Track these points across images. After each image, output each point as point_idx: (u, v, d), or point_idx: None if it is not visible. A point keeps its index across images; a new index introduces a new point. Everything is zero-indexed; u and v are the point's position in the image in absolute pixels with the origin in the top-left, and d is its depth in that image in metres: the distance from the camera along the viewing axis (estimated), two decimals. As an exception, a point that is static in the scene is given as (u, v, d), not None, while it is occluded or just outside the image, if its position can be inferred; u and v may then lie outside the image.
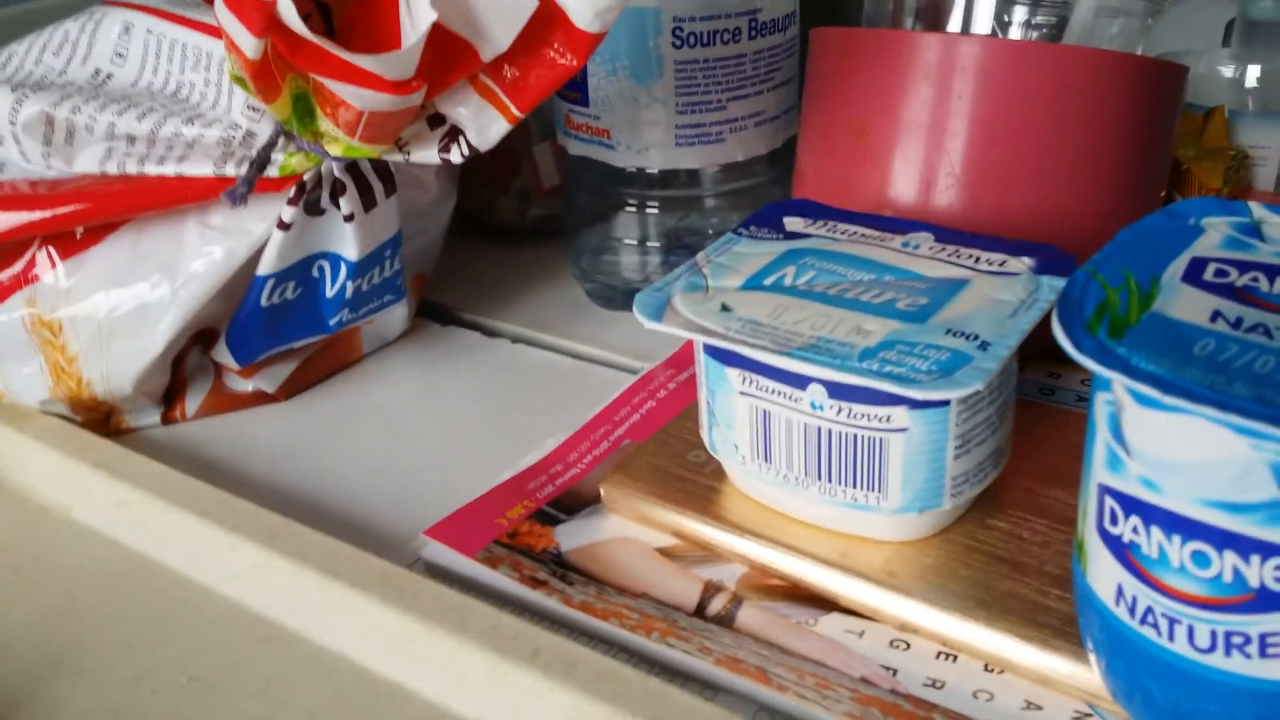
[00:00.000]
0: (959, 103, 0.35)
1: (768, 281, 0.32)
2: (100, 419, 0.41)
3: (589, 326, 0.47)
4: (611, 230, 0.47)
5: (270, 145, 0.35)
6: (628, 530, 0.34)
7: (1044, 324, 0.34)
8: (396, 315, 0.45)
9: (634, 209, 0.46)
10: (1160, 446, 0.22)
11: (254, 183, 0.35)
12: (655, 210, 0.46)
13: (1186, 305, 0.23)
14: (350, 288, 0.40)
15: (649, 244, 0.47)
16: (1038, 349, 0.38)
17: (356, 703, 0.29)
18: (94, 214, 0.37)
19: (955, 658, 0.29)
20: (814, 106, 0.40)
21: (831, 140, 0.39)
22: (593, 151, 0.45)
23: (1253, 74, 0.47)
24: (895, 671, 0.29)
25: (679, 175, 0.45)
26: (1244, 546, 0.21)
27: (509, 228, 0.54)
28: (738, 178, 0.46)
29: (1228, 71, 0.48)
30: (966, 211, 0.36)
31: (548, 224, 0.54)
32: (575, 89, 0.44)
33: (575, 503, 0.36)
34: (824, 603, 0.31)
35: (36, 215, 0.36)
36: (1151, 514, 0.22)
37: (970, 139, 0.36)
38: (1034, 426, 0.36)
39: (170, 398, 0.41)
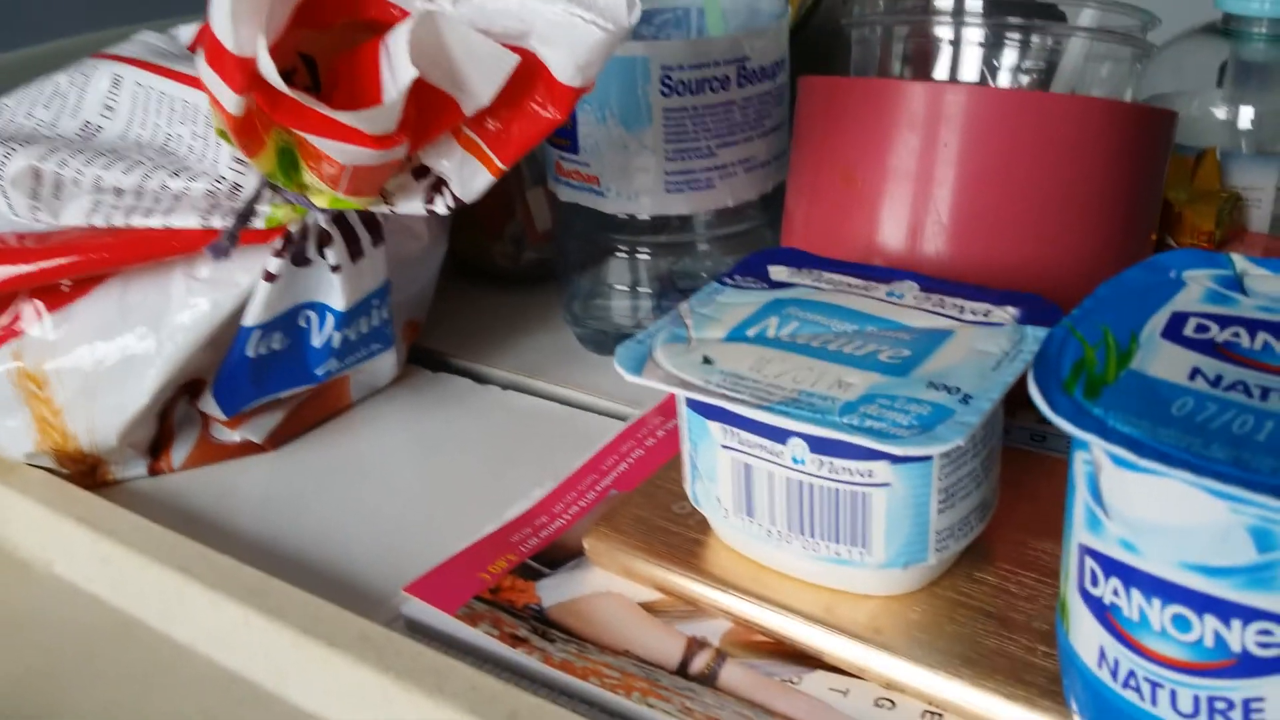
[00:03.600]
0: (945, 151, 0.35)
1: (750, 333, 0.32)
2: (86, 471, 0.40)
3: (580, 372, 0.47)
4: (603, 276, 0.47)
5: (255, 198, 0.35)
6: (611, 584, 0.34)
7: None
8: (385, 363, 0.44)
9: (625, 255, 0.46)
10: (1138, 508, 0.21)
11: (238, 235, 0.35)
12: (647, 256, 0.46)
13: (1165, 362, 0.23)
14: (338, 337, 0.40)
15: (640, 289, 0.47)
16: (1027, 397, 0.38)
17: (333, 764, 0.29)
18: (81, 267, 0.37)
19: (941, 717, 0.29)
20: (802, 153, 0.40)
21: (819, 187, 0.38)
22: (583, 198, 0.45)
23: (1246, 115, 0.47)
24: (881, 731, 0.29)
25: (670, 221, 0.45)
26: (1225, 610, 0.21)
27: (502, 272, 0.54)
28: (730, 222, 0.46)
29: (1220, 113, 0.48)
30: (954, 259, 0.36)
31: (541, 268, 0.54)
32: (564, 136, 0.44)
33: (559, 555, 0.35)
34: (809, 659, 0.31)
35: (23, 269, 0.36)
36: (1131, 576, 0.22)
37: (957, 187, 0.36)
38: (1023, 476, 0.35)
39: (157, 449, 0.41)
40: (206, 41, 0.30)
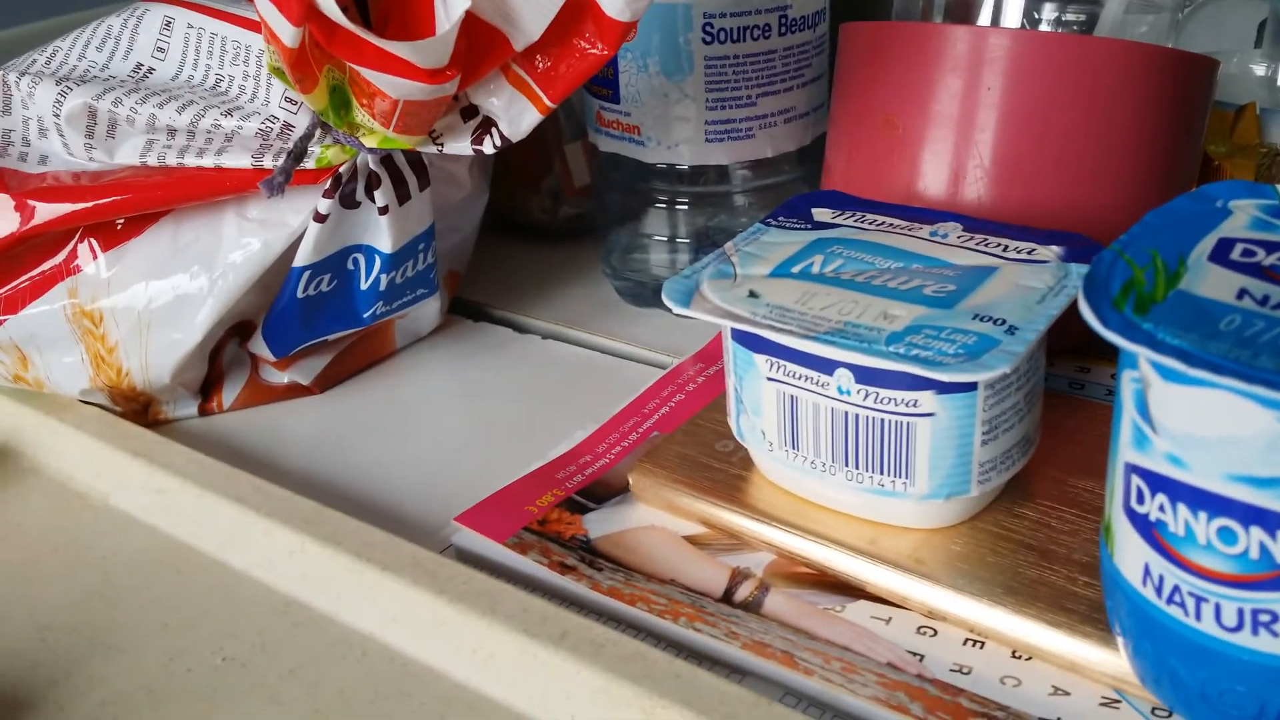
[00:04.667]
0: (988, 95, 0.36)
1: (795, 269, 0.32)
2: (139, 410, 0.41)
3: (618, 323, 0.48)
4: (641, 228, 0.48)
5: (307, 136, 0.36)
6: (656, 519, 0.35)
7: (1074, 316, 0.34)
8: (429, 310, 0.45)
9: (664, 206, 0.47)
10: (1186, 422, 0.22)
11: (291, 172, 0.36)
12: (685, 207, 0.47)
13: (1213, 283, 0.23)
14: (384, 280, 0.40)
15: (678, 241, 0.47)
16: (1066, 343, 0.38)
17: (387, 683, 0.30)
18: (134, 205, 0.37)
19: (982, 644, 0.29)
20: (843, 100, 0.40)
21: (860, 133, 0.39)
22: (623, 148, 0.45)
23: (1286, 72, 0.47)
24: (922, 657, 0.29)
25: (708, 172, 0.46)
26: (1270, 521, 0.21)
27: (540, 227, 0.55)
28: (766, 175, 0.46)
29: (1260, 70, 0.48)
30: (995, 204, 0.36)
31: (578, 223, 0.54)
32: (606, 85, 0.44)
33: (604, 492, 0.36)
34: (851, 590, 0.31)
35: (79, 206, 0.37)
36: (1178, 490, 0.22)
37: (999, 131, 0.36)
38: (1063, 419, 0.36)
39: (207, 389, 0.42)
40: (264, -25, 0.31)
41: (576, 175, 0.53)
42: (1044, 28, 0.44)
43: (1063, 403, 0.37)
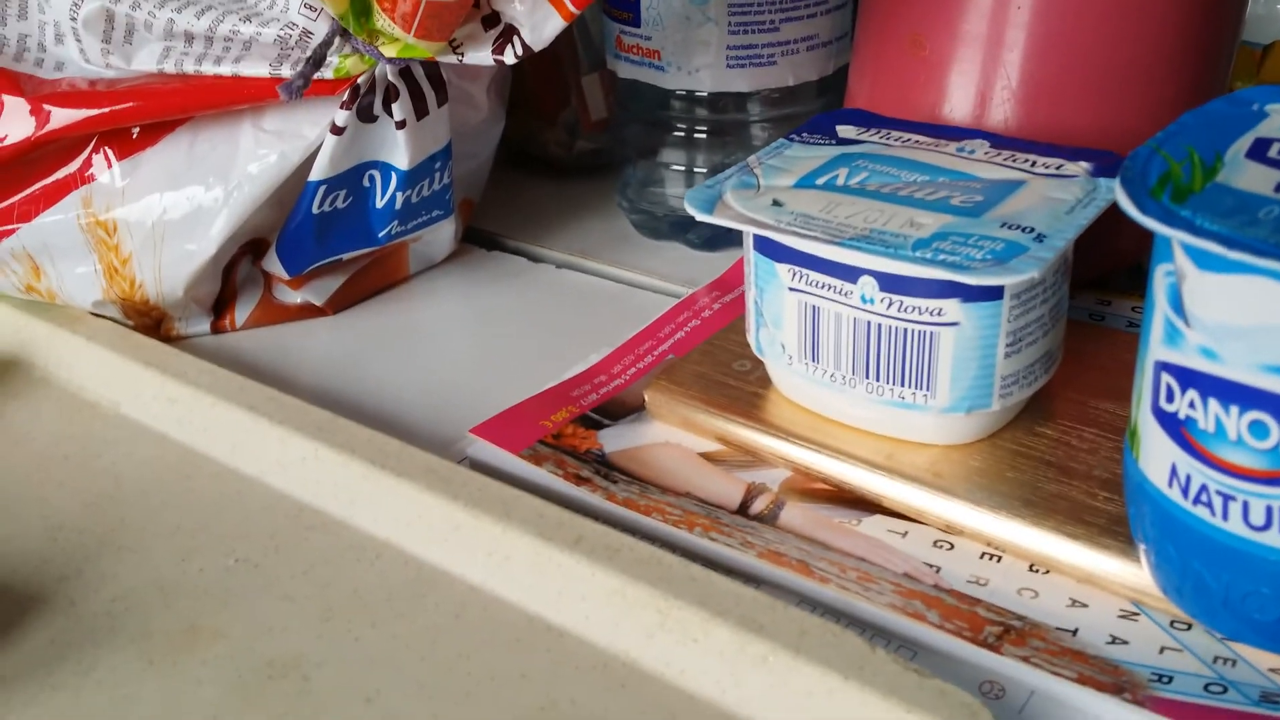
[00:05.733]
0: (1018, 13, 0.35)
1: (820, 181, 0.32)
2: (151, 325, 0.41)
3: (634, 255, 0.47)
4: (659, 159, 0.47)
5: (326, 43, 0.36)
6: (671, 435, 0.34)
7: (1098, 246, 0.33)
8: (444, 234, 0.45)
9: (682, 135, 0.46)
10: (1221, 312, 0.22)
11: (310, 77, 0.35)
12: (703, 137, 0.46)
13: (1250, 178, 0.23)
14: (400, 199, 0.40)
15: (695, 172, 0.47)
16: (1088, 274, 0.38)
17: (402, 585, 0.30)
18: (150, 112, 0.37)
19: (1000, 558, 0.29)
20: (868, 21, 0.39)
21: (886, 54, 0.38)
22: (643, 74, 0.45)
23: (1314, 13, 0.47)
24: (939, 569, 0.29)
25: (728, 102, 0.45)
26: (1305, 413, 0.21)
27: (555, 160, 0.54)
28: (786, 105, 0.46)
29: (1289, 10, 0.47)
30: (1022, 125, 0.36)
31: (594, 158, 0.54)
32: (626, 8, 0.44)
33: (619, 410, 0.36)
34: (867, 505, 0.31)
35: (94, 112, 0.37)
36: (1210, 385, 0.22)
37: (1027, 50, 0.35)
38: (1084, 345, 0.35)
39: (220, 307, 0.42)
40: None
41: (594, 108, 0.53)
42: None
43: (1084, 329, 0.37)
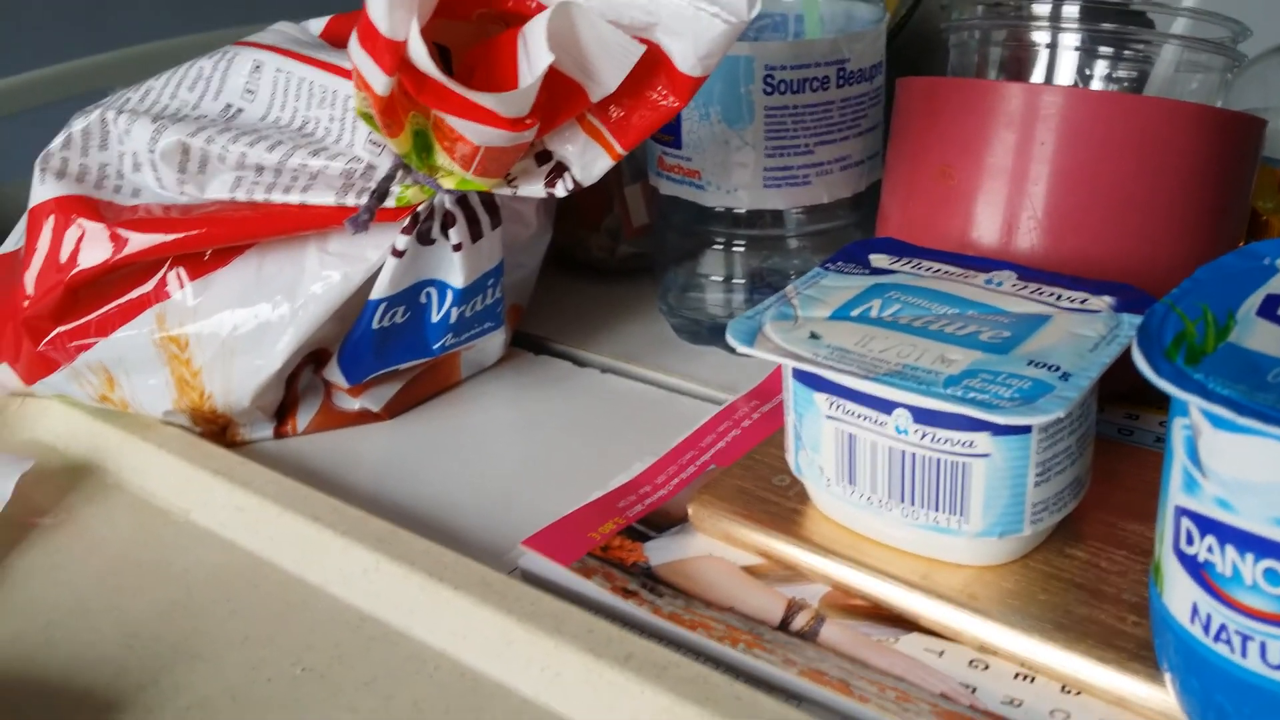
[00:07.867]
0: (1041, 149, 0.37)
1: (854, 313, 0.34)
2: (217, 431, 0.43)
3: (675, 360, 0.49)
4: (698, 268, 0.49)
5: (390, 177, 0.38)
6: (714, 549, 0.36)
7: (1124, 363, 0.35)
8: (495, 342, 0.47)
9: (720, 247, 0.48)
10: (1234, 468, 0.23)
11: (375, 211, 0.38)
12: (741, 249, 0.48)
13: (1261, 337, 0.24)
14: (455, 314, 0.42)
15: (734, 281, 0.49)
16: (1116, 390, 0.39)
17: (459, 697, 0.31)
18: (222, 237, 0.39)
19: (1033, 679, 0.31)
20: (899, 151, 0.41)
21: (916, 182, 0.40)
22: (683, 191, 0.47)
23: (1333, 130, 0.48)
24: (974, 689, 0.30)
25: (765, 216, 0.47)
26: (1316, 564, 0.22)
27: (599, 264, 0.57)
28: (821, 220, 0.48)
29: (1308, 127, 0.49)
30: (1047, 254, 0.38)
31: (636, 261, 0.56)
32: (669, 132, 0.46)
33: (663, 521, 0.37)
34: (905, 623, 0.33)
35: (169, 237, 0.39)
36: (1226, 533, 0.24)
37: (1052, 184, 0.37)
38: (1113, 464, 0.37)
39: (283, 413, 0.44)
40: (360, 25, 0.33)
41: (635, 215, 0.55)
42: (1096, 83, 0.45)
43: (1113, 448, 0.38)
